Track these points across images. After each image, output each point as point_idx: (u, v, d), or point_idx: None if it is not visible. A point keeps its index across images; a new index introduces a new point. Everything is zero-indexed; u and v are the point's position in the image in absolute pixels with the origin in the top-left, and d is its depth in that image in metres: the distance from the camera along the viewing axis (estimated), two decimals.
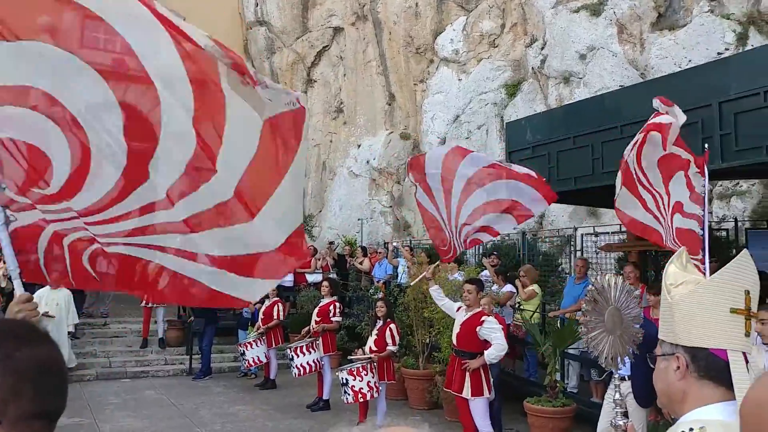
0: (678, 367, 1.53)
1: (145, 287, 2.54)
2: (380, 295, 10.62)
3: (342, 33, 19.28)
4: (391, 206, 17.01)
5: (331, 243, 16.36)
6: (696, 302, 1.61)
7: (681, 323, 1.60)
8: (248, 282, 2.48)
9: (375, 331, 7.62)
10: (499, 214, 5.63)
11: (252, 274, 2.46)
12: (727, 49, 10.62)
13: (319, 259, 13.67)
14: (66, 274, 2.41)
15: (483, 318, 5.87)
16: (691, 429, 1.45)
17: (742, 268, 1.63)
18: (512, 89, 14.88)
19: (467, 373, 5.82)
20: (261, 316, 10.36)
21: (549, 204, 6.06)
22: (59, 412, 1.08)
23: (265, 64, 20.35)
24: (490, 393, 5.89)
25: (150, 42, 2.15)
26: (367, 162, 17.68)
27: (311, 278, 13.34)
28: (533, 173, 5.54)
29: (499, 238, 11.95)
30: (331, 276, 11.67)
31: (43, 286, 9.62)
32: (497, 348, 5.73)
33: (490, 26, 15.94)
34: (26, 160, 2.19)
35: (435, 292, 6.43)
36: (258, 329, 10.31)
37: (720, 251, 7.63)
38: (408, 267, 11.05)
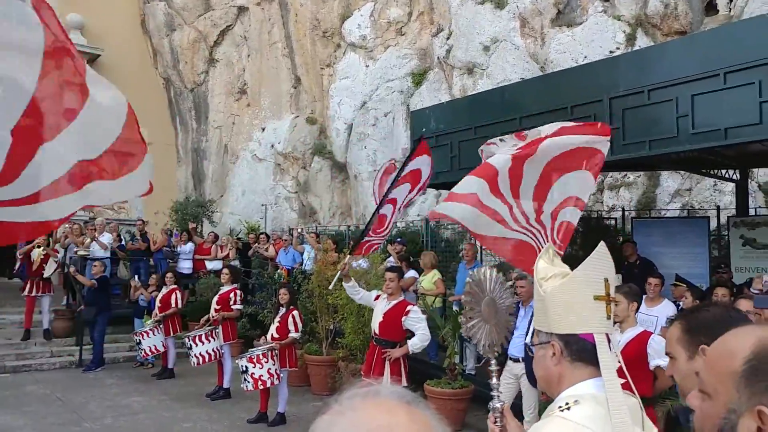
0: (553, 354, 1.69)
1: None
2: (283, 281, 10.48)
3: (246, 12, 18.69)
4: (296, 192, 16.79)
5: (233, 231, 15.94)
6: (565, 293, 1.76)
7: (553, 313, 1.75)
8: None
9: (277, 319, 7.52)
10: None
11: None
12: (618, 48, 11.27)
13: (221, 246, 13.27)
14: None
15: (408, 308, 5.90)
16: (567, 403, 1.60)
17: (601, 259, 1.79)
18: (418, 78, 15.05)
19: (387, 362, 5.84)
20: (158, 304, 9.96)
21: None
22: None
23: (164, 41, 19.37)
24: (408, 382, 5.94)
25: None
26: (272, 146, 17.32)
27: (211, 265, 12.95)
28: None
29: (402, 224, 12.12)
30: (231, 264, 11.37)
31: None
32: (421, 338, 5.79)
33: (398, 14, 16.01)
34: None
35: (350, 288, 6.26)
36: (155, 317, 9.90)
37: (608, 238, 8.07)
38: (315, 253, 10.97)
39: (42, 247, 11.53)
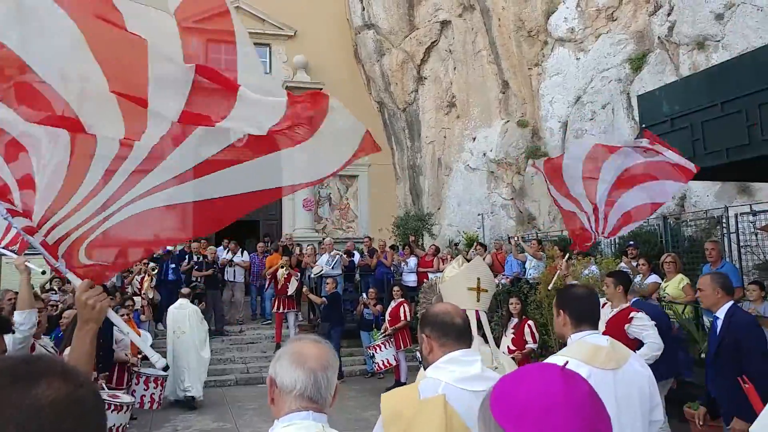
0: None
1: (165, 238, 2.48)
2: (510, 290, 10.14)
3: (449, 26, 18.87)
4: (512, 198, 16.33)
5: (452, 242, 16.02)
6: (451, 285, 3.04)
7: (446, 296, 3.00)
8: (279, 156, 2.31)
9: (511, 330, 7.22)
10: (637, 189, 5.24)
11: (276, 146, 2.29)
12: None
13: (442, 258, 13.38)
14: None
15: (632, 314, 5.26)
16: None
17: (475, 266, 3.14)
18: (637, 63, 13.71)
19: None
20: (387, 317, 10.27)
21: (686, 182, 5.46)
22: None
23: (375, 66, 20.41)
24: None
25: None
26: (484, 154, 17.12)
27: (434, 278, 13.09)
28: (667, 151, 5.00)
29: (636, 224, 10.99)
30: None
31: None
32: (651, 347, 5.10)
33: None
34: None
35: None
36: (385, 331, 10.22)
37: None
38: (538, 261, 10.47)
39: (285, 267, 12.71)
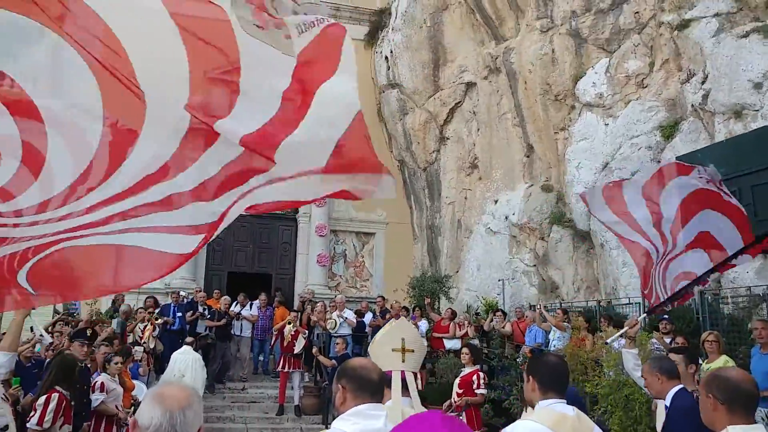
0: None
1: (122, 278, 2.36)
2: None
3: (474, 88, 18.76)
4: (534, 265, 15.67)
5: (470, 308, 15.32)
6: (377, 347, 3.24)
7: (372, 357, 3.15)
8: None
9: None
10: (700, 252, 4.61)
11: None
12: None
13: (459, 324, 12.68)
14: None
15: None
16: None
17: (399, 326, 3.35)
18: (669, 130, 13.30)
19: None
20: (457, 387, 9.54)
21: (753, 257, 4.83)
22: None
23: (398, 125, 20.29)
24: None
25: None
26: (506, 218, 16.60)
27: (449, 344, 12.36)
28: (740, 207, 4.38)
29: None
30: (471, 342, 10.64)
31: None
32: None
33: (637, 65, 14.59)
34: None
35: (632, 357, 4.87)
36: (450, 407, 9.46)
37: None
38: (561, 333, 9.76)
39: (292, 324, 12.10)
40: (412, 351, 3.12)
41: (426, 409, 2.91)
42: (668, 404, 3.90)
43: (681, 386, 3.96)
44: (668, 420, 3.88)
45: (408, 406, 2.98)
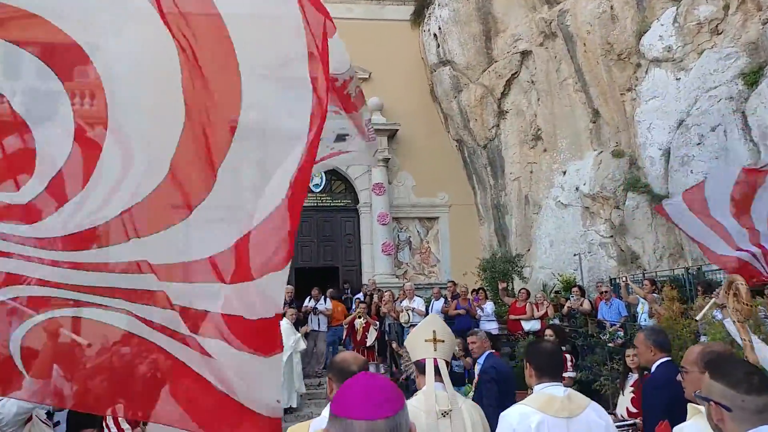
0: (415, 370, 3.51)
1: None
2: (618, 341, 8.73)
3: (530, 56, 17.88)
4: (611, 236, 14.78)
5: (546, 286, 14.63)
6: (412, 338, 3.61)
7: (410, 349, 3.65)
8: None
9: (630, 388, 5.91)
10: None
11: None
12: None
13: (536, 304, 12.06)
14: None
15: None
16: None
17: (431, 320, 3.71)
18: (752, 77, 12.15)
19: None
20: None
21: None
22: None
23: (453, 103, 19.64)
24: None
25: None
26: (577, 189, 15.74)
27: (528, 326, 11.76)
28: None
29: None
30: (554, 322, 10.03)
31: None
32: None
33: (710, 11, 13.41)
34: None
35: (730, 326, 3.96)
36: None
37: None
38: (650, 306, 9.02)
39: (362, 317, 11.81)
40: (443, 341, 3.44)
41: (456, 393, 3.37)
42: (652, 373, 4.15)
43: (668, 359, 4.13)
44: (644, 387, 4.28)
45: (441, 390, 3.28)
